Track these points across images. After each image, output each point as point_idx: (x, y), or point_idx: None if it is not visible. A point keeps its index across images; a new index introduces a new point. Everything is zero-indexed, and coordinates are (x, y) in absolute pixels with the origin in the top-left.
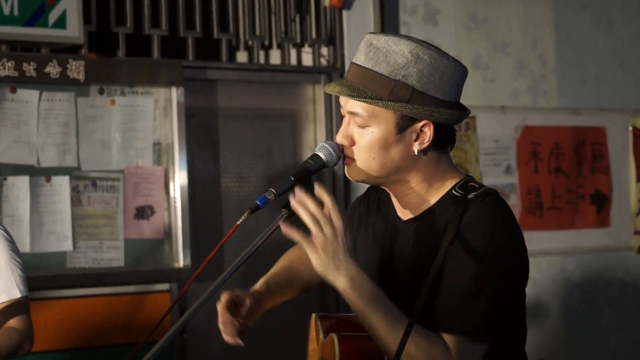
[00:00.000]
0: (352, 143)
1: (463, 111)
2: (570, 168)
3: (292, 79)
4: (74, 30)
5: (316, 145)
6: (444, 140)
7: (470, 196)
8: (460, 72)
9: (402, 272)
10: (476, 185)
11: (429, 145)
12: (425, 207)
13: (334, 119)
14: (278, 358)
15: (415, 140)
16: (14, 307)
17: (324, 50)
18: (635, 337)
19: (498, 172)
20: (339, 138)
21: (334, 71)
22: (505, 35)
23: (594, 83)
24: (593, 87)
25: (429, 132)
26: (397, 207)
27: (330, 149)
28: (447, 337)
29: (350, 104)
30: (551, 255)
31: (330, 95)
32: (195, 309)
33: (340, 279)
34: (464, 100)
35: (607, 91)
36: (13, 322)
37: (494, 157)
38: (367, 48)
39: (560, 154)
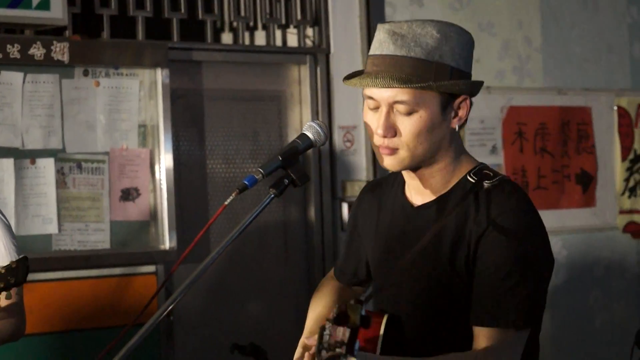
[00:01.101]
0: (396, 134)
1: (481, 82)
2: (555, 148)
3: (278, 60)
4: (58, 12)
5: (302, 126)
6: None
7: (486, 184)
8: (473, 44)
9: (418, 258)
10: (490, 174)
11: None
12: (442, 191)
13: (319, 99)
14: (263, 341)
15: (454, 118)
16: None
17: (309, 31)
18: (621, 316)
19: (484, 153)
20: (383, 131)
21: (319, 52)
22: (491, 16)
23: (579, 63)
24: (578, 67)
25: (466, 107)
26: (412, 192)
27: (318, 128)
28: (487, 331)
29: (393, 94)
30: None
31: (316, 75)
32: (183, 292)
33: None
34: None
35: (592, 71)
36: (10, 307)
37: (479, 138)
38: (392, 37)
39: (545, 134)
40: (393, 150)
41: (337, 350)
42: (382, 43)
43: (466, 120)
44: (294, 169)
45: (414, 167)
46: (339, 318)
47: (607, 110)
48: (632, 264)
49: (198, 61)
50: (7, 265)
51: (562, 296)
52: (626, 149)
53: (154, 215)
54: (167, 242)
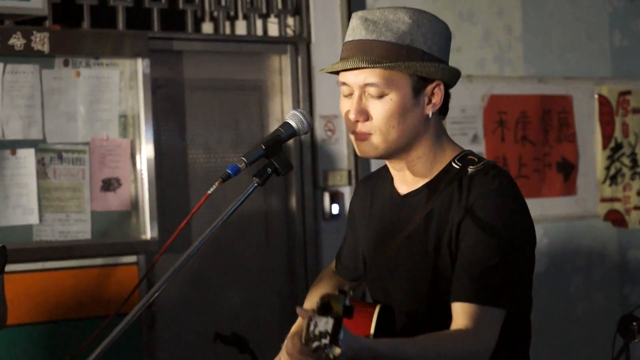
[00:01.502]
0: (368, 118)
1: (459, 71)
2: (536, 136)
3: (258, 50)
4: (38, 2)
5: (283, 115)
6: (446, 102)
7: (470, 169)
8: (449, 34)
9: (405, 246)
10: (475, 159)
11: (438, 108)
12: (427, 178)
13: (300, 89)
14: (245, 330)
15: (428, 104)
16: None
17: (290, 21)
18: (602, 304)
19: (465, 141)
20: (354, 115)
21: (300, 41)
22: (471, 4)
23: (560, 51)
24: (559, 56)
25: (440, 93)
26: (398, 182)
27: (301, 117)
28: (466, 306)
29: (363, 76)
30: None
31: (297, 64)
32: (165, 282)
33: None
34: None
35: (573, 59)
36: None
37: (460, 126)
38: (364, 24)
39: (526, 122)
40: (366, 136)
41: (323, 341)
42: (355, 29)
43: (446, 108)
44: (277, 157)
45: (390, 155)
46: (323, 309)
47: (588, 99)
48: (613, 252)
49: (179, 51)
50: None
51: (544, 285)
52: (607, 137)
53: (135, 205)
54: (149, 232)
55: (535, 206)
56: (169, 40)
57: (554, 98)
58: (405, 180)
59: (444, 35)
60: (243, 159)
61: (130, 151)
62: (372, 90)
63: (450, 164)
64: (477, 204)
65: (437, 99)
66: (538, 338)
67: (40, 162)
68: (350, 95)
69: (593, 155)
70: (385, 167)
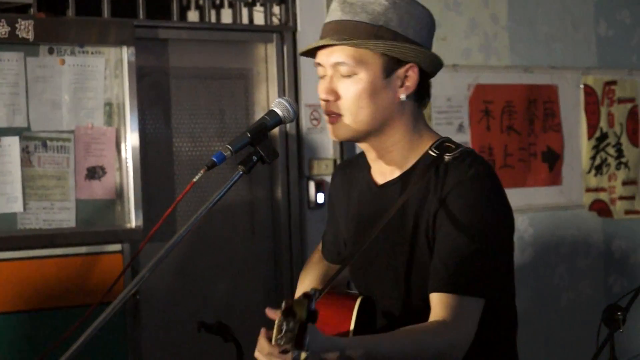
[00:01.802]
0: (338, 97)
1: (440, 58)
2: (522, 126)
3: (244, 38)
4: None
5: (269, 104)
6: (423, 90)
7: (447, 157)
8: (432, 21)
9: (382, 237)
10: (452, 146)
11: (412, 93)
12: (404, 168)
13: (286, 78)
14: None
15: (401, 87)
16: None
17: (276, 9)
18: (587, 294)
19: (450, 131)
20: (323, 94)
21: (285, 30)
22: None
23: (546, 41)
24: (545, 45)
25: (414, 76)
26: (375, 171)
27: (287, 104)
28: (444, 297)
29: (334, 56)
30: None
31: (283, 53)
32: (150, 270)
33: None
34: None
35: (559, 49)
36: None
37: (446, 116)
38: (341, 5)
39: (512, 112)
40: (337, 118)
41: (289, 344)
42: (333, 11)
43: (425, 96)
44: (263, 145)
45: (362, 138)
46: (287, 313)
47: (574, 89)
48: (598, 242)
49: (164, 39)
50: None
51: (528, 274)
52: (592, 127)
53: (120, 193)
54: (133, 220)
55: (521, 196)
56: (154, 29)
57: (539, 88)
58: (382, 170)
59: (424, 20)
60: (228, 146)
61: (115, 139)
62: (342, 69)
63: (427, 152)
64: (453, 193)
65: (411, 82)
66: (522, 328)
67: (25, 150)
68: (324, 76)
69: (578, 145)
70: (363, 155)
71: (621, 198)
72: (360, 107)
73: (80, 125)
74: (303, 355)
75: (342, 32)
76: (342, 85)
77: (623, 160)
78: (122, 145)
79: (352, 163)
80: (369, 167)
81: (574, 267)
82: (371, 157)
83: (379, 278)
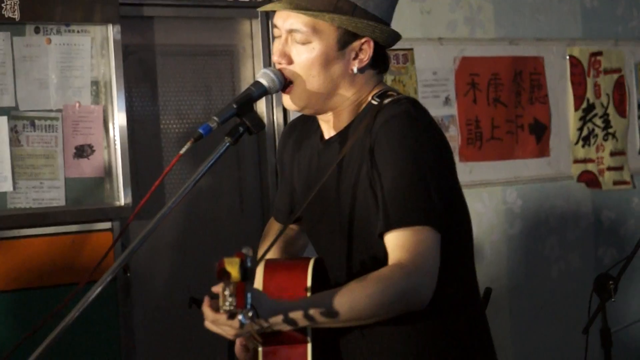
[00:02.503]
0: (290, 61)
1: (397, 33)
2: (508, 98)
3: (229, 15)
4: None
5: None
6: (380, 61)
7: (385, 101)
8: None
9: (324, 191)
10: (394, 94)
11: (367, 65)
12: (348, 121)
13: (271, 53)
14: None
15: (354, 59)
16: None
17: None
18: (576, 265)
19: (437, 104)
20: (276, 57)
21: None
22: None
23: (531, 13)
24: (530, 17)
25: (368, 50)
26: (325, 129)
27: (272, 75)
28: (395, 234)
29: (290, 21)
30: (492, 185)
31: (268, 29)
32: (140, 242)
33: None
34: (400, 32)
35: (544, 21)
36: None
37: (432, 89)
38: None
39: (498, 84)
40: (290, 88)
41: (230, 307)
42: None
43: (383, 65)
44: (249, 116)
45: (314, 108)
46: (221, 274)
47: (560, 60)
48: (587, 213)
49: (149, 17)
50: None
51: (518, 246)
52: (579, 98)
53: (108, 171)
54: (122, 198)
55: (509, 168)
56: (139, 6)
57: (525, 59)
58: (329, 129)
59: None
60: (215, 118)
61: (102, 118)
62: (297, 36)
63: (369, 101)
64: (381, 130)
65: (365, 55)
66: (513, 301)
67: (13, 130)
68: (279, 37)
69: (565, 116)
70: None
71: (609, 169)
72: (311, 76)
73: (68, 104)
74: (248, 313)
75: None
76: (296, 50)
77: (610, 130)
78: (110, 124)
79: (306, 120)
80: (318, 125)
81: (563, 238)
82: (322, 119)
83: (329, 233)
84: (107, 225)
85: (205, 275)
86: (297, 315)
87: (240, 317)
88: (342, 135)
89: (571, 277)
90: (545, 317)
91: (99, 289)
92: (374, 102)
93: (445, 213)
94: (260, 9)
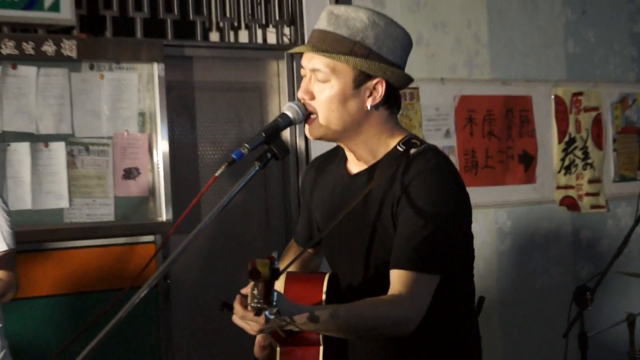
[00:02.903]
0: (312, 97)
1: (409, 76)
2: (501, 132)
3: (259, 56)
4: (67, 13)
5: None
6: (393, 100)
7: (412, 151)
8: (408, 41)
9: (349, 218)
10: (417, 142)
11: (380, 102)
12: (373, 160)
13: (295, 90)
14: None
15: (369, 97)
16: (2, 260)
17: (286, 30)
18: (558, 278)
19: (438, 136)
20: (301, 93)
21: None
22: (444, 16)
23: (521, 58)
24: (520, 61)
25: (381, 90)
26: (350, 163)
27: (297, 108)
28: (402, 273)
29: (313, 62)
30: (485, 208)
31: (293, 68)
32: (179, 253)
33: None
34: (409, 73)
35: (533, 65)
36: (0, 273)
37: (435, 123)
38: (329, 16)
39: (492, 119)
40: (312, 119)
41: (258, 304)
42: (321, 20)
43: (397, 104)
44: (276, 144)
45: (333, 137)
46: (252, 274)
47: (546, 99)
48: (567, 233)
49: (189, 56)
50: None
51: (508, 261)
52: (562, 132)
53: (152, 191)
54: (164, 214)
55: (500, 193)
56: (180, 47)
57: (516, 98)
58: (355, 162)
59: (400, 40)
60: (246, 145)
61: (147, 144)
62: (318, 75)
63: (395, 147)
64: (414, 182)
65: (378, 94)
66: (502, 309)
67: (70, 154)
68: (305, 76)
69: (550, 148)
70: (341, 149)
71: (587, 194)
72: (330, 110)
73: (118, 132)
74: (273, 310)
75: (323, 42)
76: (318, 88)
77: (589, 161)
78: (154, 150)
79: (328, 156)
80: (345, 159)
81: (546, 254)
82: (347, 150)
83: (346, 256)
84: (150, 238)
85: (234, 283)
86: (308, 317)
87: (266, 312)
88: (370, 173)
89: (553, 289)
90: (530, 323)
91: (143, 294)
92: (400, 149)
93: (453, 260)
94: (288, 52)
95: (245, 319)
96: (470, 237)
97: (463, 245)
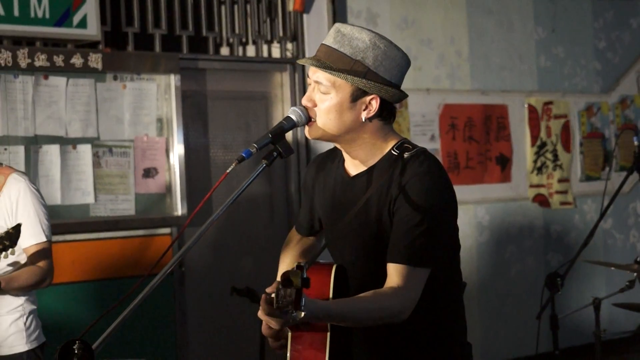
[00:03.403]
0: (314, 105)
1: (403, 93)
2: (480, 136)
3: (265, 68)
4: (93, 30)
5: None
6: (386, 113)
7: (405, 155)
8: (406, 62)
9: (352, 218)
10: (410, 147)
11: (374, 115)
12: (371, 163)
13: (297, 99)
14: (254, 285)
15: (364, 110)
16: (40, 250)
17: (289, 45)
18: (531, 266)
19: (424, 140)
20: (304, 101)
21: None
22: (430, 34)
23: (498, 71)
24: (497, 74)
25: (375, 105)
26: (347, 164)
27: (300, 112)
28: (398, 267)
29: (317, 75)
30: (466, 204)
31: (295, 80)
32: (193, 242)
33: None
34: None
35: (508, 77)
36: (38, 262)
37: (421, 128)
38: (336, 33)
39: (472, 125)
40: (313, 123)
41: (289, 307)
42: (329, 36)
43: (390, 115)
44: (281, 144)
45: (331, 140)
46: (285, 282)
47: (520, 107)
48: (539, 227)
49: (203, 69)
50: (5, 230)
51: (485, 252)
52: (534, 137)
53: (169, 189)
54: (180, 209)
55: (479, 191)
56: (195, 60)
57: (493, 107)
58: (353, 164)
59: (397, 60)
60: (254, 144)
61: (165, 147)
62: (321, 87)
63: (390, 151)
64: (409, 183)
65: (372, 109)
66: (481, 293)
67: (95, 155)
68: (310, 85)
69: (524, 151)
70: (338, 150)
71: (557, 192)
72: (329, 119)
73: (138, 136)
74: (301, 314)
75: (327, 58)
76: (319, 97)
77: (558, 163)
78: (171, 152)
79: (327, 156)
80: (343, 160)
81: (521, 246)
82: (343, 152)
83: (350, 251)
84: (167, 230)
85: (242, 269)
86: (332, 311)
87: (294, 314)
88: (368, 174)
89: (527, 276)
90: (506, 306)
91: (160, 280)
92: (394, 153)
93: (443, 252)
94: (298, 61)
95: (271, 316)
96: (456, 230)
97: (451, 238)
